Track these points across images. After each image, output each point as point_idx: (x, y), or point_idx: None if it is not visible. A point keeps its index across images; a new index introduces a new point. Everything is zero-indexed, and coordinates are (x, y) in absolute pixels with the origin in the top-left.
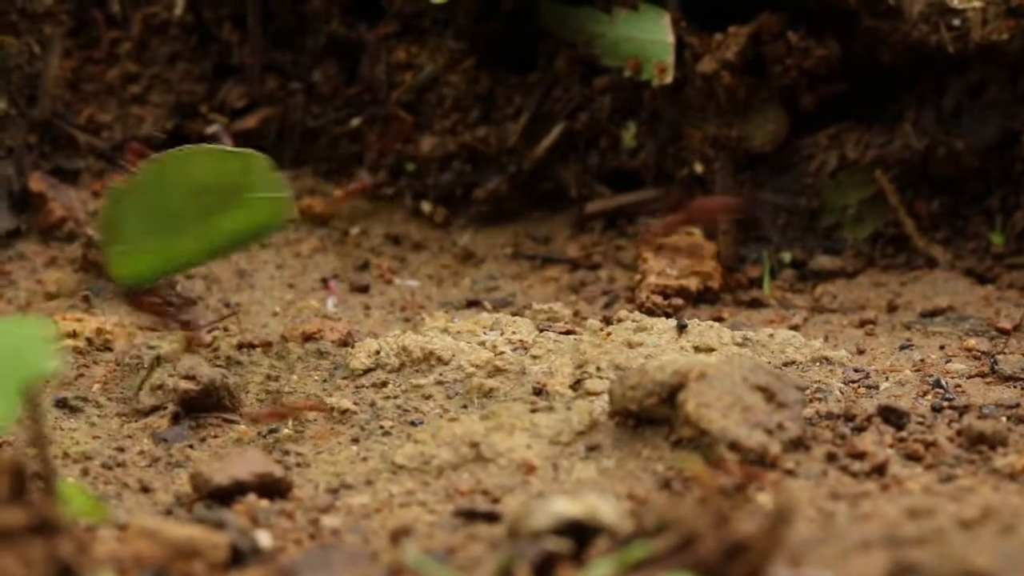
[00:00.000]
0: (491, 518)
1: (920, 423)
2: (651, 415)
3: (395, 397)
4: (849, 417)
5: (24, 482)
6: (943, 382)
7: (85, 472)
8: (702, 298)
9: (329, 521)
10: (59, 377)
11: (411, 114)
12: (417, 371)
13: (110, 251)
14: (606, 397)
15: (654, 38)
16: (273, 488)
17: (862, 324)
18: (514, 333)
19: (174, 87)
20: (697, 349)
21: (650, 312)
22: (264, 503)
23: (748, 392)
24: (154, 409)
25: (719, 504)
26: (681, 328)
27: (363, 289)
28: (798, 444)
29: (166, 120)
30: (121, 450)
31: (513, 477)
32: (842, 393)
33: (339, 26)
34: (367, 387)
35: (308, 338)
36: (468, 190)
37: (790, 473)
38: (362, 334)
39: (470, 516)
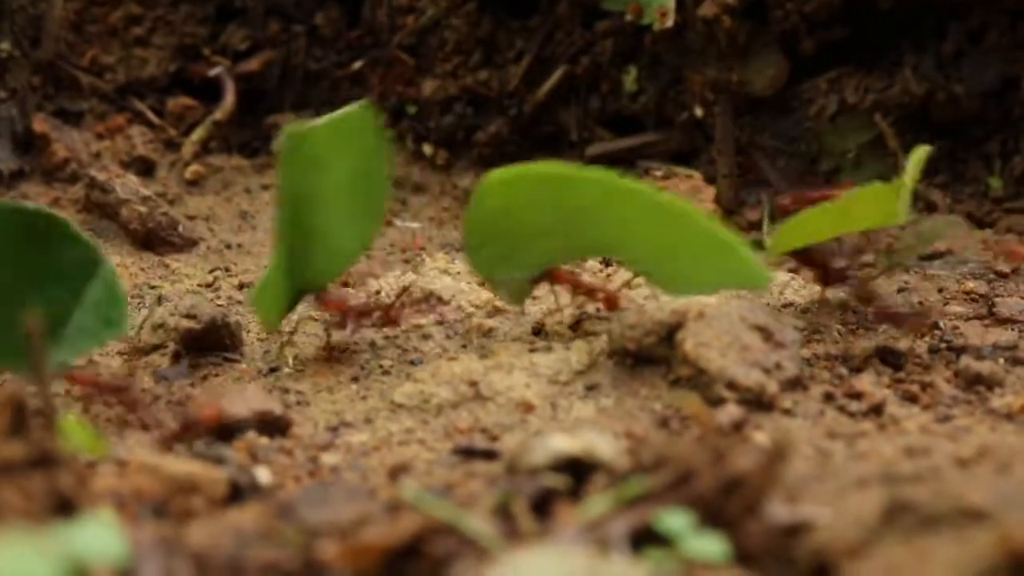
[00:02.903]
0: (489, 455)
1: (918, 364)
2: (649, 354)
3: (395, 337)
4: (847, 358)
5: (25, 417)
6: (941, 324)
7: (87, 409)
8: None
9: (328, 458)
10: None
11: (413, 57)
12: (417, 311)
13: None
14: (605, 337)
15: None
16: (273, 425)
17: (861, 267)
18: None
19: (177, 29)
20: None
21: None
22: (264, 440)
23: (746, 332)
24: (155, 348)
25: (716, 441)
26: None
27: None
28: (796, 384)
29: (169, 62)
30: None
31: (512, 415)
32: (840, 334)
33: None
34: (367, 326)
35: None
36: (469, 133)
37: (788, 412)
38: (363, 275)
39: (468, 454)
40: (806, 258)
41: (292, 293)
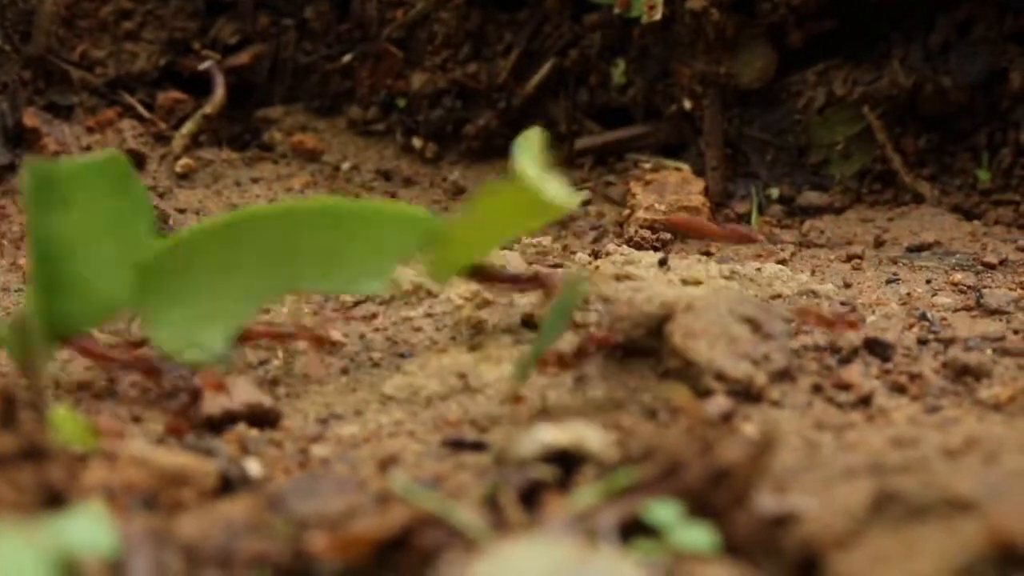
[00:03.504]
0: (478, 447)
1: (906, 355)
2: (638, 347)
3: (384, 329)
4: (835, 349)
5: (15, 409)
6: (929, 315)
7: (78, 402)
8: (690, 233)
9: (318, 450)
10: None
11: (402, 50)
12: (407, 304)
13: None
14: (594, 329)
15: None
16: (263, 418)
17: (849, 259)
18: (503, 267)
19: (167, 23)
20: (685, 282)
21: (638, 246)
22: (254, 432)
23: (735, 323)
24: (146, 340)
25: (705, 433)
26: (661, 263)
27: None
28: (784, 375)
29: (159, 56)
30: (113, 381)
31: (501, 407)
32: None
33: None
34: (357, 319)
35: None
36: (458, 126)
37: (776, 404)
38: None
39: (458, 445)
40: (479, 275)
41: (47, 338)
